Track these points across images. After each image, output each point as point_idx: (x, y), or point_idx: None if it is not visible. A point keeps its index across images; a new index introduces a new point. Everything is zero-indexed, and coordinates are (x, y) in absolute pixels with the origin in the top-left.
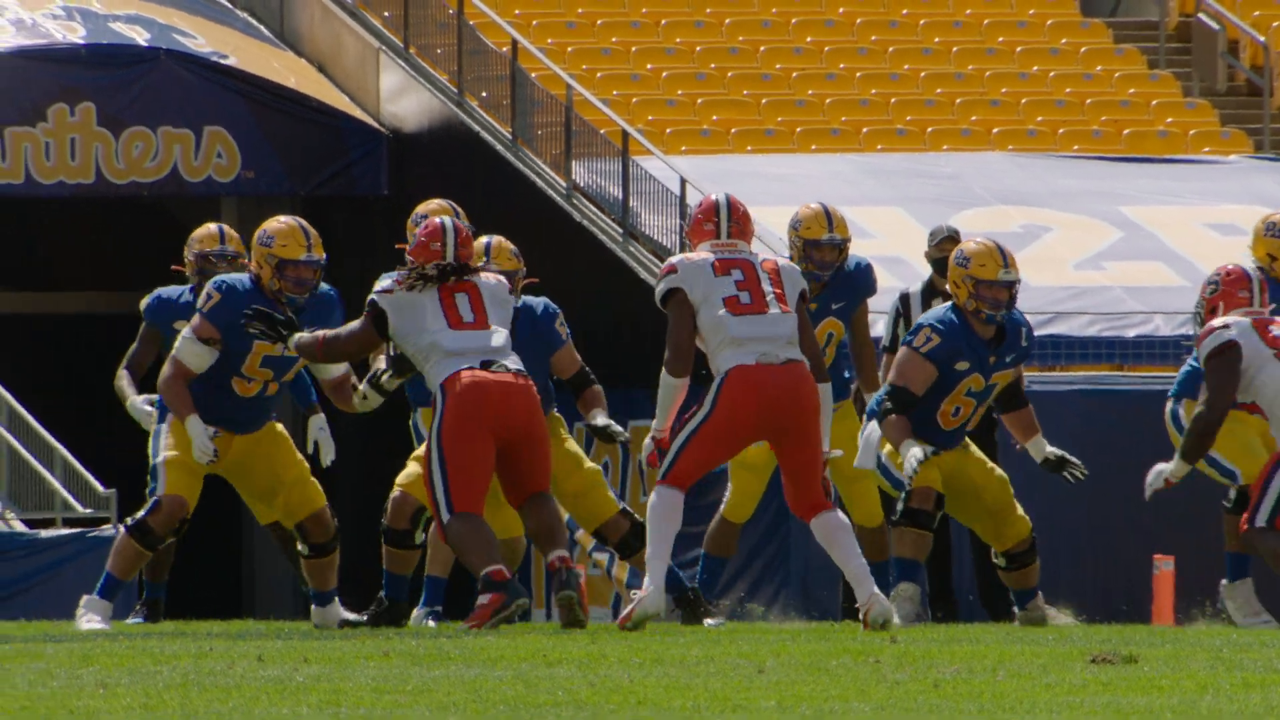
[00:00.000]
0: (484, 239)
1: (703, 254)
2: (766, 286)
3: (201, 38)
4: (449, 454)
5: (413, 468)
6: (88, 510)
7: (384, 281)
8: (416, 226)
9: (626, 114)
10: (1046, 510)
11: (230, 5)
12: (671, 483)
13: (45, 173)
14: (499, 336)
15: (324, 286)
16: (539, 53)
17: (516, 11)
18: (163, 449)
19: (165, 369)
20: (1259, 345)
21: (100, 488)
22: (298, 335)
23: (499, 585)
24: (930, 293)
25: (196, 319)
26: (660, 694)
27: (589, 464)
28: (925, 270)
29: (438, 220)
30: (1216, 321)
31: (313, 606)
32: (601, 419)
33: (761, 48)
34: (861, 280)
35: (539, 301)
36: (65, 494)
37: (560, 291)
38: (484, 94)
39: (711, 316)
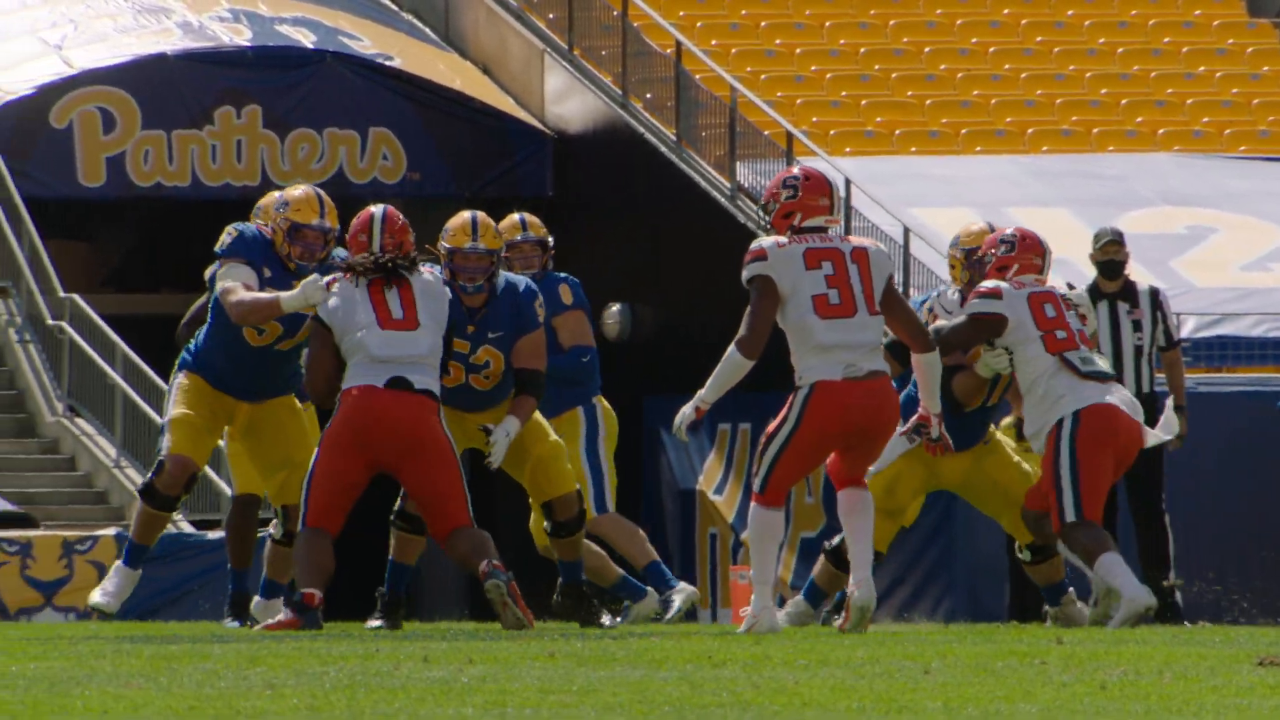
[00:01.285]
0: (517, 215)
1: (793, 241)
2: (855, 282)
3: (367, 40)
4: (322, 465)
5: None
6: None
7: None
8: (277, 207)
9: (790, 116)
10: (1211, 510)
11: (395, 7)
12: (770, 501)
13: (211, 175)
14: (424, 340)
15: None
16: (703, 55)
17: (680, 13)
18: (171, 408)
19: (226, 299)
20: (1028, 321)
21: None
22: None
23: (304, 610)
24: (1095, 295)
25: (221, 260)
26: (825, 695)
27: (553, 437)
28: (1090, 272)
29: (369, 210)
30: (988, 285)
31: (256, 596)
32: (499, 429)
33: (926, 49)
34: None
35: (521, 280)
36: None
37: (724, 293)
38: (648, 96)
39: (799, 316)
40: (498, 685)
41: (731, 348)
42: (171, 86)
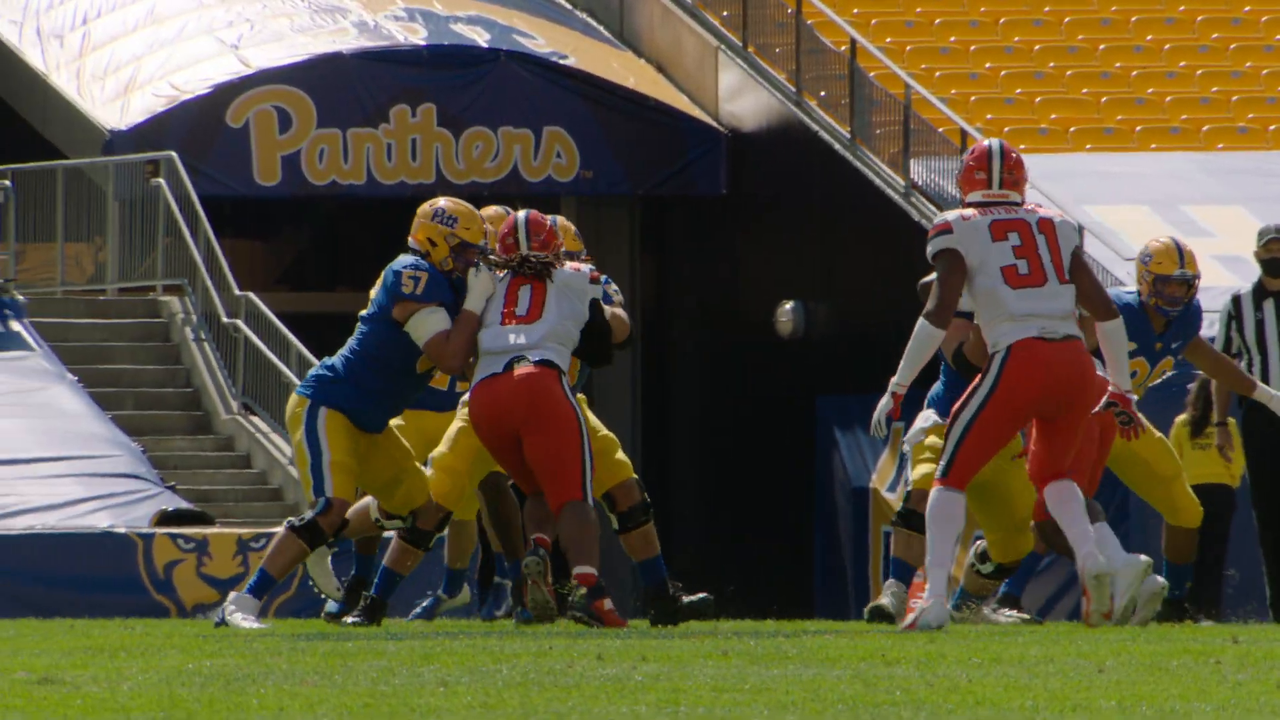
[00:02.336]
0: (550, 218)
1: (979, 213)
2: (1044, 253)
3: (541, 38)
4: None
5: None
6: None
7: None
8: (437, 220)
9: (965, 112)
10: None
11: (570, 6)
12: (952, 483)
13: (386, 173)
14: (538, 330)
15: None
16: (877, 52)
17: (855, 11)
18: (326, 449)
19: (444, 356)
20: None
21: None
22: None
23: (596, 591)
24: (1261, 293)
25: (415, 305)
26: (999, 693)
27: (603, 431)
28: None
29: (513, 215)
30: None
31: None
32: None
33: (1100, 46)
34: (1195, 320)
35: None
36: None
37: (898, 291)
38: (822, 93)
39: (988, 287)
40: (670, 683)
41: (921, 320)
42: (347, 85)
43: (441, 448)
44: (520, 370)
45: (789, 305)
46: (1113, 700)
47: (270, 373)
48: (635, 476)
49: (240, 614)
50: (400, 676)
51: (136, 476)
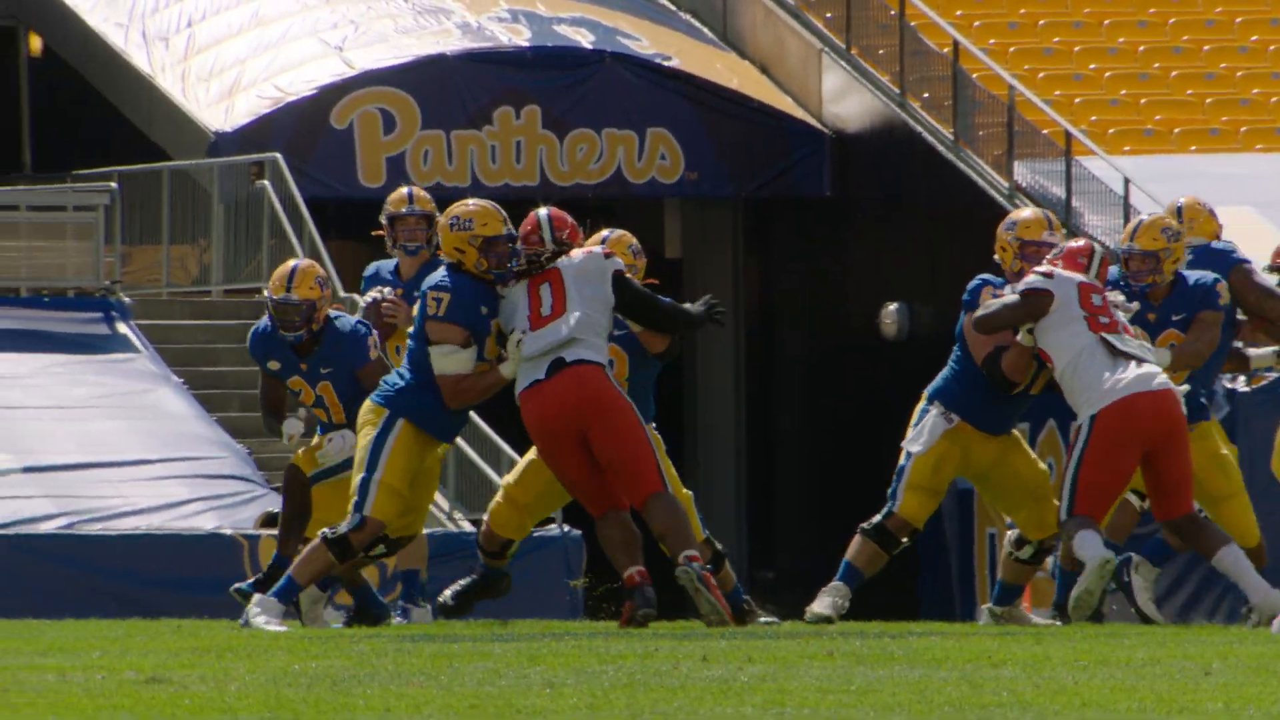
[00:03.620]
0: (604, 232)
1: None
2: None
3: (645, 39)
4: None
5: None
6: None
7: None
8: (455, 228)
9: (1069, 114)
10: None
11: (674, 7)
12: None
13: (490, 175)
14: (568, 323)
15: (350, 322)
16: (980, 54)
17: (958, 12)
18: (381, 467)
19: (452, 390)
20: (1074, 301)
21: None
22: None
23: (631, 592)
24: None
25: (438, 327)
26: (1105, 696)
27: (680, 493)
28: None
29: (535, 212)
30: (1044, 267)
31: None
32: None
33: (1205, 46)
34: (1201, 295)
35: (349, 321)
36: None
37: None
38: (925, 95)
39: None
40: (776, 684)
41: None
42: (451, 87)
43: (510, 477)
44: (566, 372)
45: (893, 307)
46: (1219, 703)
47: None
48: (705, 535)
49: (264, 616)
50: (506, 678)
51: (242, 478)
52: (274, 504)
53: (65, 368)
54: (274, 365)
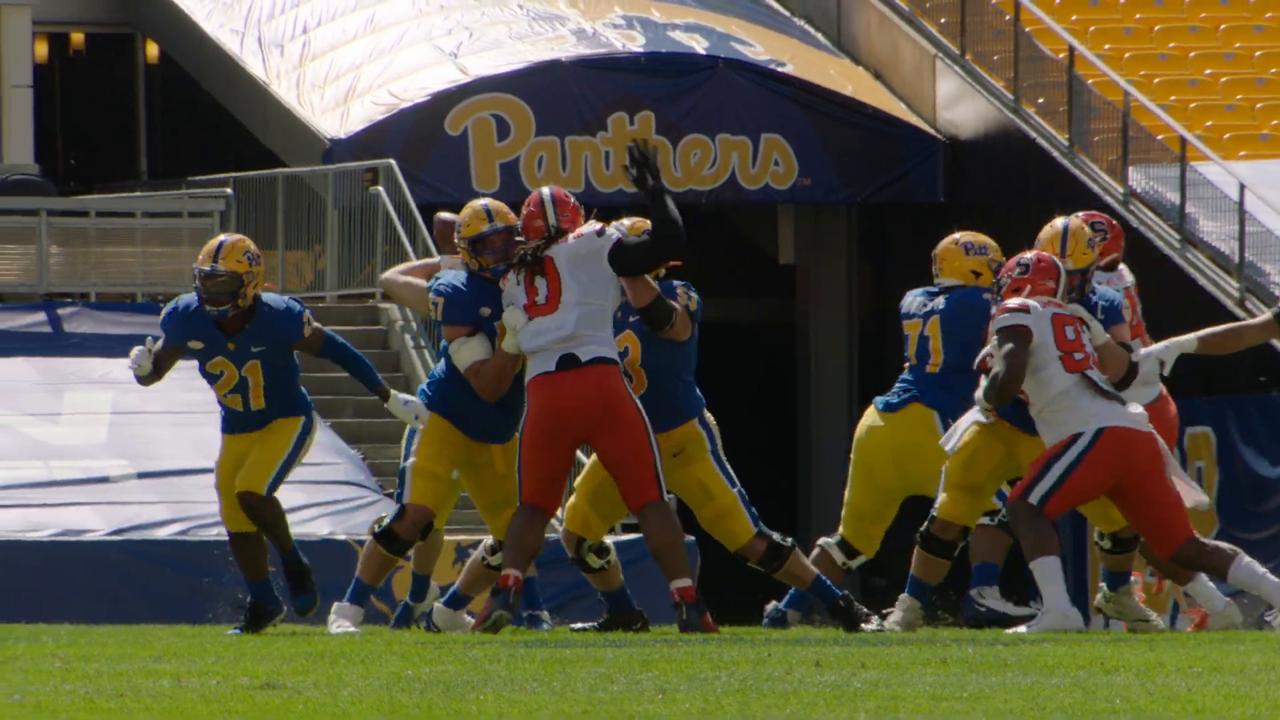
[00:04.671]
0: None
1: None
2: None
3: (759, 45)
4: (527, 458)
5: (573, 499)
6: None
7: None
8: (454, 235)
9: (1184, 120)
10: None
11: (788, 13)
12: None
13: (604, 181)
14: (569, 319)
15: (282, 299)
16: (1096, 59)
17: (1073, 18)
18: (413, 454)
19: (475, 380)
20: (1050, 341)
21: None
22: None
23: (497, 592)
24: None
25: (449, 330)
26: (1219, 702)
27: (723, 495)
28: None
29: (537, 193)
30: (1013, 302)
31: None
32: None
33: None
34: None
35: (280, 298)
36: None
37: None
38: (1040, 100)
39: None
40: (889, 690)
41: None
42: (565, 93)
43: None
44: (581, 371)
45: None
46: None
47: None
48: (757, 530)
49: (340, 620)
50: (618, 684)
51: (356, 484)
52: (388, 510)
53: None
54: (195, 345)
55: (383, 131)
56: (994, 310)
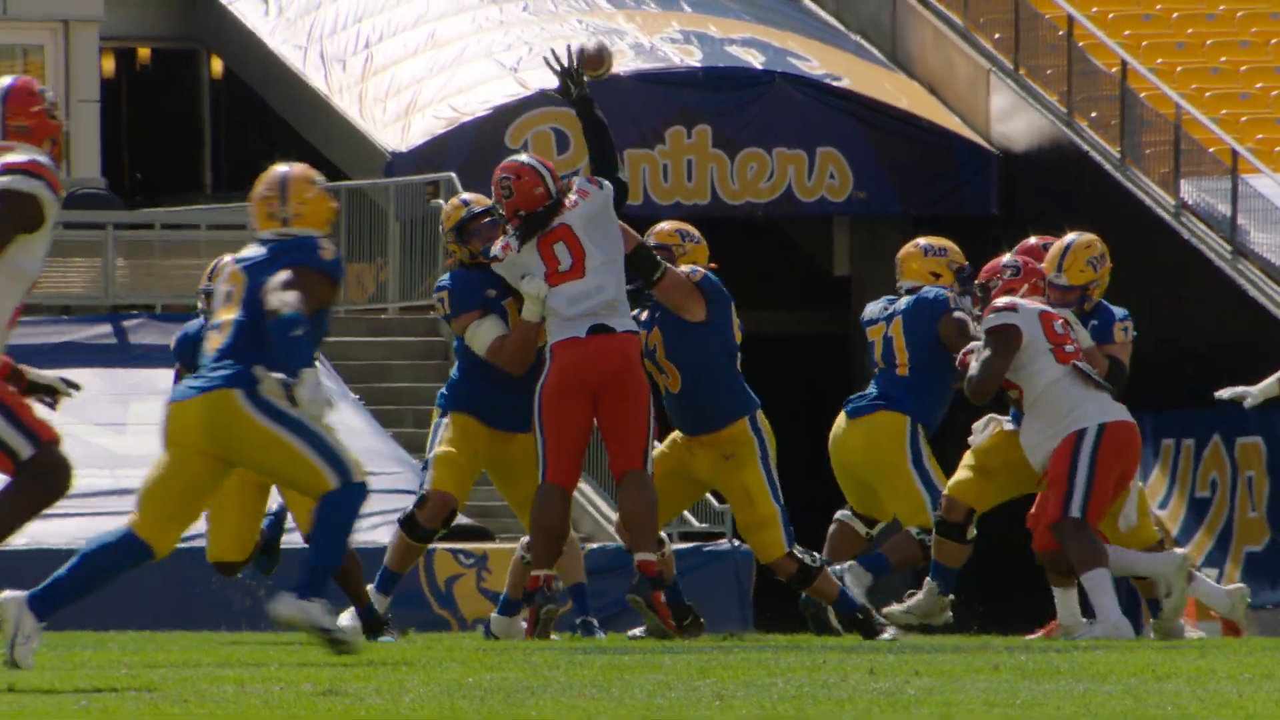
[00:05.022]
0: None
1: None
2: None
3: (815, 60)
4: (550, 421)
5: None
6: (703, 525)
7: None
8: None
9: (1235, 133)
10: None
11: (843, 28)
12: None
13: (662, 194)
14: (608, 286)
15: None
16: (1148, 73)
17: (1125, 33)
18: (433, 445)
19: (499, 355)
20: (1040, 336)
21: (715, 503)
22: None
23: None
24: None
25: (461, 320)
26: (1272, 709)
27: (764, 505)
28: None
29: (523, 164)
30: (1001, 301)
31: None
32: None
33: None
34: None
35: None
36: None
37: (1169, 308)
38: (1093, 114)
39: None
40: (943, 697)
41: None
42: (624, 106)
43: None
44: (612, 338)
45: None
46: None
47: None
48: (788, 550)
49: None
50: (676, 690)
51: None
52: None
53: None
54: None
55: (444, 145)
56: (953, 311)
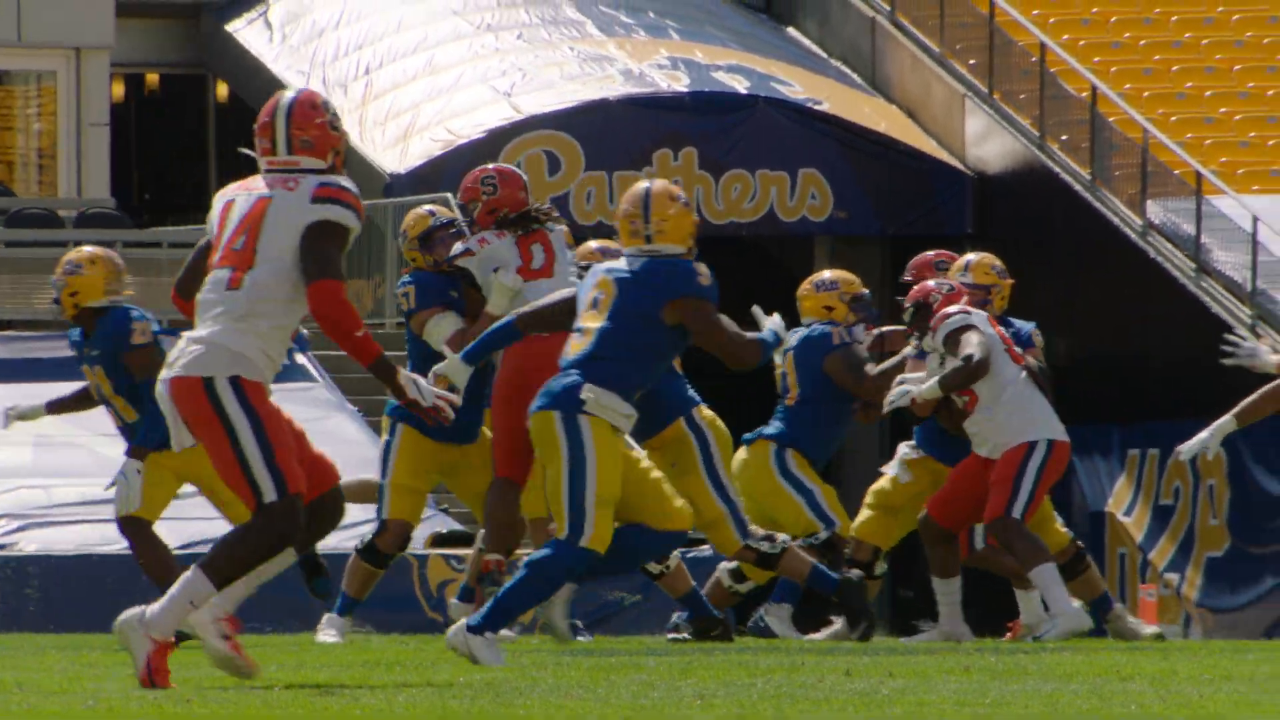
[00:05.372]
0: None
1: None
2: None
3: (797, 85)
4: (500, 420)
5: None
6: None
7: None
8: (401, 240)
9: (1199, 155)
10: None
11: (825, 55)
12: None
13: None
14: (564, 283)
15: (126, 310)
16: (1117, 98)
17: (1095, 59)
18: (390, 469)
19: (453, 347)
20: (995, 335)
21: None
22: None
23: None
24: None
25: (421, 315)
26: (1230, 709)
27: (709, 510)
28: None
29: (510, 171)
30: (953, 308)
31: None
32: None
33: None
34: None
35: (126, 308)
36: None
37: (1132, 325)
38: (1064, 137)
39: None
40: (916, 697)
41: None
42: (613, 130)
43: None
44: (559, 336)
45: None
46: None
47: None
48: (744, 542)
49: (328, 630)
50: (659, 690)
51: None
52: (443, 525)
53: None
54: (73, 353)
55: (440, 166)
56: (836, 348)
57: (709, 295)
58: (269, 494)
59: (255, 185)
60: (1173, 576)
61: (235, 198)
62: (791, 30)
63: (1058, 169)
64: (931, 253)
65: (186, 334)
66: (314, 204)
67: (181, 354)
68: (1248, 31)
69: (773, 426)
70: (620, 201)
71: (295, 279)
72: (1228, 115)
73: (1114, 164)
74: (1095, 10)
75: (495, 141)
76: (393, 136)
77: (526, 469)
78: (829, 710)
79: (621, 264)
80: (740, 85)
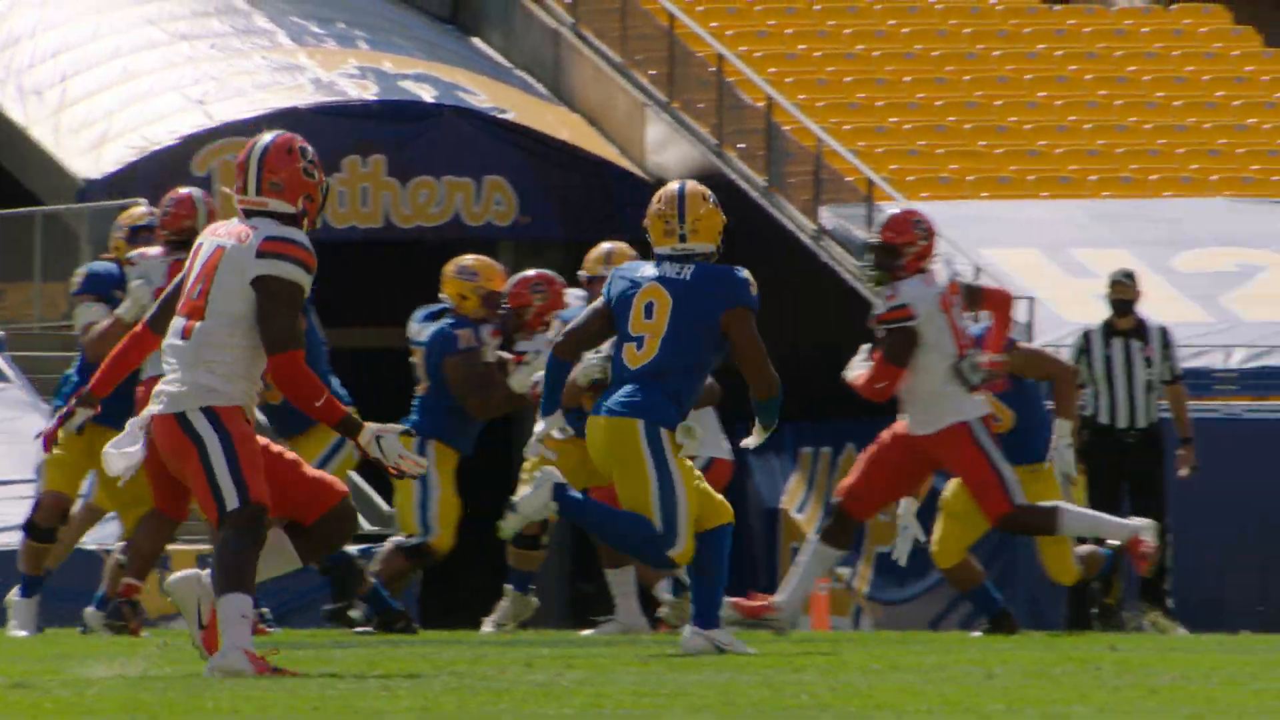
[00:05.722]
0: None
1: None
2: None
3: (483, 94)
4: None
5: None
6: (374, 528)
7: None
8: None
9: (871, 163)
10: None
11: (509, 65)
12: None
13: (339, 218)
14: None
15: None
16: (792, 108)
17: (771, 70)
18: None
19: (81, 334)
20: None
21: (385, 506)
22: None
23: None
24: (1109, 331)
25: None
26: (896, 698)
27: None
28: (1146, 309)
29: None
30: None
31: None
32: None
33: (997, 102)
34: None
35: None
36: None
37: (808, 326)
38: (741, 145)
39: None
40: (595, 688)
41: None
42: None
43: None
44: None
45: None
46: (1001, 704)
47: None
48: None
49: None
50: (346, 681)
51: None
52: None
53: None
54: None
55: (134, 172)
56: (457, 351)
57: (756, 308)
58: (231, 501)
59: (227, 228)
60: (844, 571)
61: (204, 241)
62: (477, 41)
63: (734, 176)
64: (533, 271)
65: (157, 386)
66: (258, 259)
67: (156, 398)
68: (917, 44)
69: (412, 418)
70: (652, 200)
71: (246, 329)
72: (898, 125)
73: (789, 171)
74: (772, 23)
75: (188, 148)
76: (88, 143)
77: (184, 509)
78: (510, 701)
79: (667, 269)
80: (427, 94)
